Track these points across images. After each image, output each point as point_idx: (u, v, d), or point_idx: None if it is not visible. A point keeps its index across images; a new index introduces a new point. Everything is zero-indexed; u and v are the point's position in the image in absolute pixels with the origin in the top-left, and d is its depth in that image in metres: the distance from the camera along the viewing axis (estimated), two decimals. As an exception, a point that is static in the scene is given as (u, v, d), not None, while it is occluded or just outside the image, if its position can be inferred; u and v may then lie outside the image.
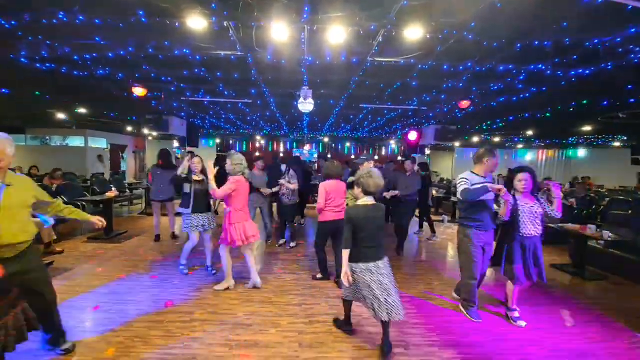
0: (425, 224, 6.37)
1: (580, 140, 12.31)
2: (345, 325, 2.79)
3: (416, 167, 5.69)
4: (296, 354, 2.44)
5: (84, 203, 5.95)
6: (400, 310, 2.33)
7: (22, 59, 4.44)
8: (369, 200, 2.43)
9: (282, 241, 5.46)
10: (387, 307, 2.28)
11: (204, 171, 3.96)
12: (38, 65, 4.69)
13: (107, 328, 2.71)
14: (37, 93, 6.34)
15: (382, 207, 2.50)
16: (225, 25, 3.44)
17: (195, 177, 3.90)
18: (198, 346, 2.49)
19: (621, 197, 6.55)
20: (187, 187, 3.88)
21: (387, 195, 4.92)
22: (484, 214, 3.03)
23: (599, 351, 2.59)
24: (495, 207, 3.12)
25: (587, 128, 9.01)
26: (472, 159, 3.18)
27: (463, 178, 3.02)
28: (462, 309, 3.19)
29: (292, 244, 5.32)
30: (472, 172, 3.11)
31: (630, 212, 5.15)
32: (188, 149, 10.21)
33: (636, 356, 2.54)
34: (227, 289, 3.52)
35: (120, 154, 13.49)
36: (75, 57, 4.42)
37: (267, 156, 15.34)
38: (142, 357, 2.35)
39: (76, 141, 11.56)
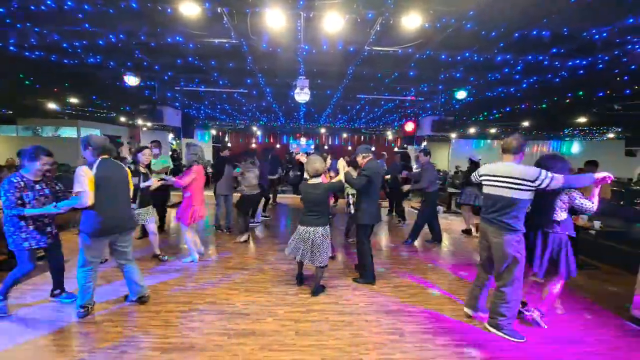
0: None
1: (575, 132, 12.37)
2: (299, 280, 3.48)
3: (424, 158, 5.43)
4: (293, 341, 2.48)
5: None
6: (321, 261, 3.10)
7: (11, 47, 4.31)
8: (314, 180, 3.17)
9: (241, 238, 4.91)
10: (311, 257, 3.09)
11: (149, 165, 4.16)
12: (27, 53, 4.56)
13: (106, 318, 2.73)
14: (26, 82, 6.18)
15: (320, 186, 3.12)
16: (219, 11, 3.35)
17: (141, 169, 3.80)
18: (196, 335, 2.52)
19: (614, 188, 6.66)
20: (134, 181, 3.46)
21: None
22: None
23: (587, 338, 2.66)
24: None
25: (582, 120, 9.03)
26: (507, 148, 2.54)
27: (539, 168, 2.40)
28: (504, 329, 2.60)
29: (242, 238, 4.94)
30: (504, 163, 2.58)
31: (622, 203, 5.24)
32: (184, 140, 10.09)
33: (624, 343, 2.62)
34: (192, 262, 4.01)
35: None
36: (65, 45, 4.29)
37: (260, 148, 15.33)
38: (142, 346, 2.37)
39: (68, 132, 11.36)
